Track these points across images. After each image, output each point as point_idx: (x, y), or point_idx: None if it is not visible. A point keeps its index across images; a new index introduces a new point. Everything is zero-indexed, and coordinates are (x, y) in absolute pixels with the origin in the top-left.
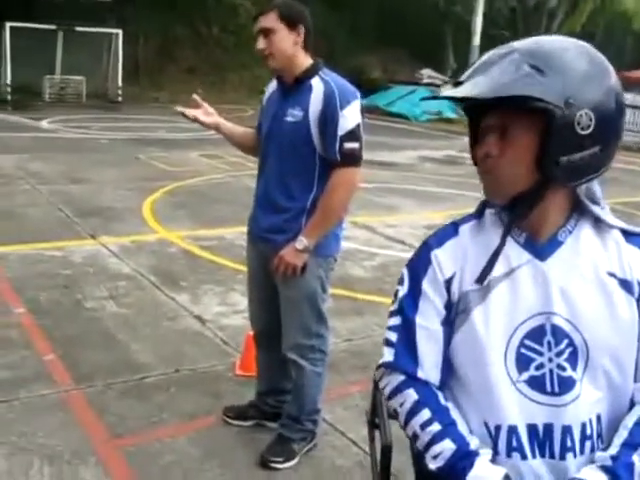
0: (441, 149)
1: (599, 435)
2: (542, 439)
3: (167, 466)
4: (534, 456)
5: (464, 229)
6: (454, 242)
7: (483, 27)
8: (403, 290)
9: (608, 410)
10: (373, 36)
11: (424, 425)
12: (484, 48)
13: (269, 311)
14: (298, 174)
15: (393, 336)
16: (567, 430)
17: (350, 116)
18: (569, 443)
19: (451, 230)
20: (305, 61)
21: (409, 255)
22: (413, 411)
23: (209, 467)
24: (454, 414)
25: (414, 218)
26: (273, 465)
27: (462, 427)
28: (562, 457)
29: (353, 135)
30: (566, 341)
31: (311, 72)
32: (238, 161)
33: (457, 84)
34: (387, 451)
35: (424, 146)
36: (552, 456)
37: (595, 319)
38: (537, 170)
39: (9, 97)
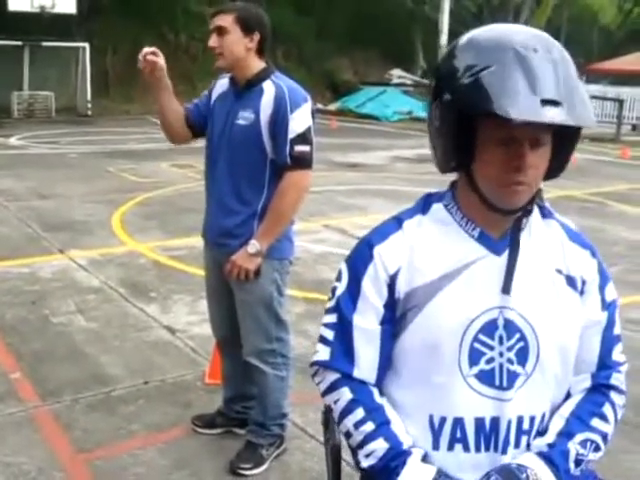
0: (412, 148)
1: (527, 432)
2: (488, 433)
3: (136, 478)
4: (478, 449)
5: (409, 224)
6: (398, 237)
7: (450, 25)
8: (341, 288)
9: (551, 407)
10: (343, 39)
11: (358, 424)
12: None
13: (228, 317)
14: (249, 177)
15: (329, 334)
16: (510, 424)
17: (300, 119)
18: (511, 437)
19: (394, 225)
20: (257, 65)
21: None
22: (347, 409)
23: (178, 477)
24: (389, 412)
25: (385, 218)
26: (242, 472)
27: (396, 426)
28: (504, 451)
29: (303, 138)
30: (517, 335)
31: (263, 75)
32: (204, 169)
33: (546, 102)
34: (336, 451)
35: (396, 146)
36: (495, 449)
37: (546, 315)
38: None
39: None
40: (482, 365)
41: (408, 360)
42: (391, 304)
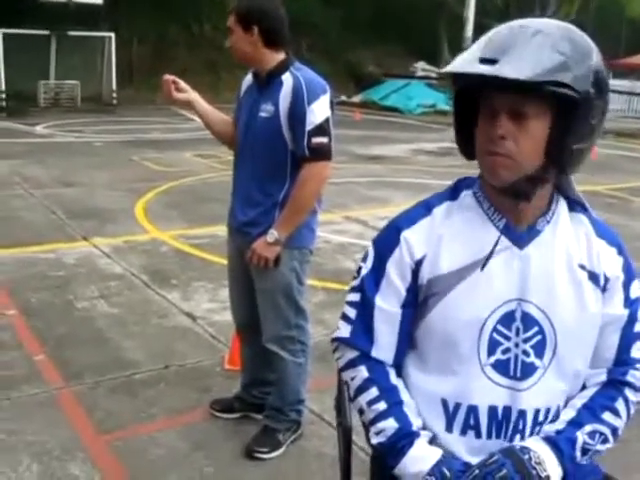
0: (435, 141)
1: (541, 423)
2: (500, 420)
3: (155, 460)
4: (489, 436)
5: (438, 211)
6: (426, 223)
7: (476, 18)
8: (366, 268)
9: (567, 400)
10: (368, 30)
11: (371, 402)
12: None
13: (248, 304)
14: (271, 168)
15: (351, 312)
16: (522, 414)
17: (318, 111)
18: (527, 428)
19: (423, 210)
20: (274, 57)
21: None
22: (362, 387)
23: (196, 459)
24: (402, 393)
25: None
26: (259, 455)
27: (408, 407)
28: (512, 439)
29: (321, 130)
30: (535, 329)
31: (282, 67)
32: (233, 160)
33: (483, 61)
34: (347, 434)
35: (418, 139)
36: (506, 437)
37: (566, 309)
38: (544, 155)
39: (4, 104)
40: (498, 355)
41: (429, 345)
42: (414, 289)
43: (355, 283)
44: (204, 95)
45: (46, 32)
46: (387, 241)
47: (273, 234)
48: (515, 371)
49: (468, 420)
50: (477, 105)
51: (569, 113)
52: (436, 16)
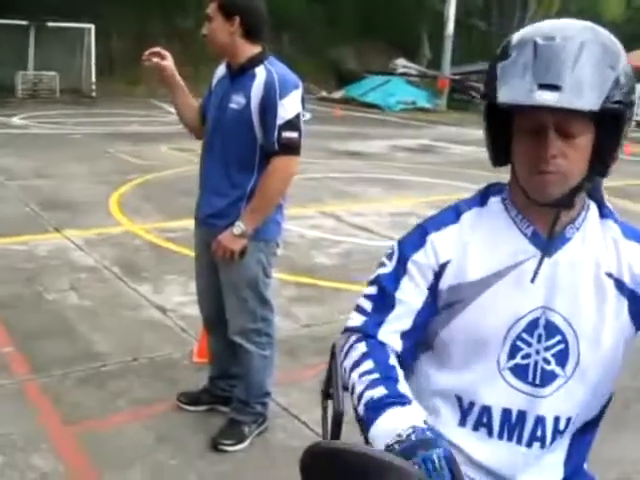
0: (414, 138)
1: (561, 432)
2: (514, 424)
3: (119, 451)
4: (500, 437)
5: (466, 217)
6: (454, 229)
7: (456, 16)
8: (389, 265)
9: (583, 411)
10: (350, 27)
11: (363, 374)
12: (457, 37)
13: (215, 296)
14: (239, 161)
15: (367, 305)
16: (540, 421)
17: (289, 106)
18: (539, 433)
19: (452, 216)
20: (248, 50)
21: (374, 242)
22: (358, 362)
23: (161, 451)
24: (399, 374)
25: (381, 206)
26: (224, 448)
27: (402, 386)
28: (529, 445)
29: (292, 125)
30: (558, 337)
31: (256, 61)
32: (201, 151)
33: (542, 87)
34: (338, 418)
35: (397, 135)
36: (518, 441)
37: (591, 320)
38: (589, 165)
39: None
40: (518, 359)
41: (449, 348)
42: (434, 291)
43: (374, 277)
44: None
45: (25, 22)
46: (412, 241)
47: (239, 226)
48: (534, 377)
49: (481, 418)
50: (510, 118)
51: (611, 122)
52: (417, 14)
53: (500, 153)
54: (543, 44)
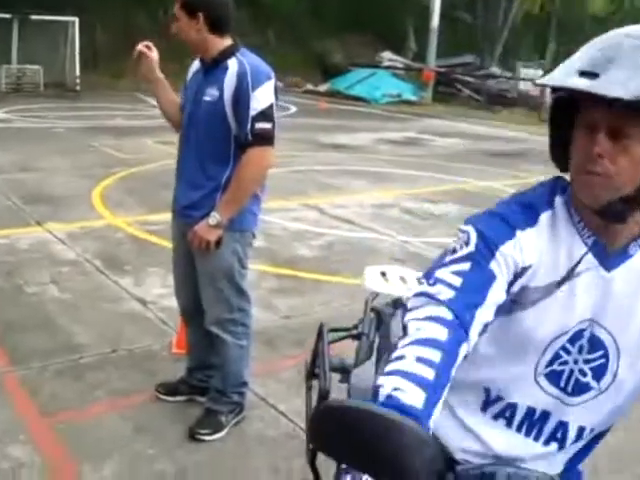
0: (399, 131)
1: (582, 439)
2: (535, 421)
3: (97, 441)
4: (519, 430)
5: (543, 221)
6: (535, 231)
7: (442, 9)
8: (471, 246)
9: (605, 423)
10: (335, 20)
11: (421, 360)
12: (443, 30)
13: (192, 287)
14: (214, 152)
15: (457, 280)
16: (562, 425)
17: (262, 97)
18: (560, 436)
19: (532, 216)
20: (220, 43)
21: (355, 234)
22: (426, 340)
23: (139, 441)
24: (442, 399)
25: (363, 198)
26: (201, 437)
27: (436, 411)
28: (547, 443)
29: (265, 115)
30: (600, 352)
31: (228, 53)
32: (178, 144)
33: (582, 74)
34: (325, 396)
35: (382, 128)
36: (536, 438)
37: (637, 339)
38: None
39: None
40: (555, 366)
41: (491, 345)
42: (508, 288)
43: (462, 254)
44: (170, 82)
45: (8, 16)
46: (499, 230)
47: (215, 217)
48: (567, 385)
49: (504, 412)
50: (574, 117)
51: None
52: (403, 7)
53: (563, 157)
54: (603, 38)
